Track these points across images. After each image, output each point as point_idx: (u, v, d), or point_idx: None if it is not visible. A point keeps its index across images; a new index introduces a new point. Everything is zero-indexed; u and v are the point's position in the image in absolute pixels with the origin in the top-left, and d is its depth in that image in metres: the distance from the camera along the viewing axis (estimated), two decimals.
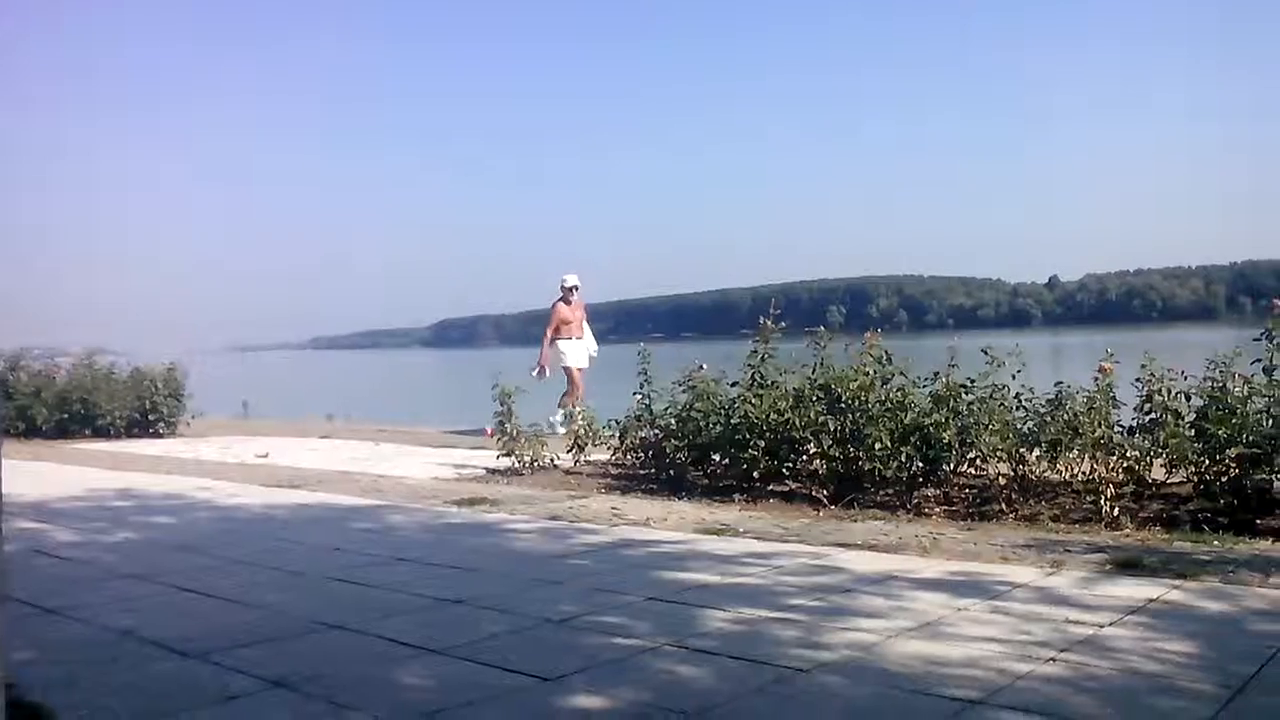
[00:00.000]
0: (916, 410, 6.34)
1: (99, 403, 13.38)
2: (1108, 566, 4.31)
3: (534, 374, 11.08)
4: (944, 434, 6.11)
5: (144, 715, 2.64)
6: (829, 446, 6.52)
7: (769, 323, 7.37)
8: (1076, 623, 3.39)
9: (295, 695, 2.79)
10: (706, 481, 7.23)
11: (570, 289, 12.09)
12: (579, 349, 11.94)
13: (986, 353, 6.43)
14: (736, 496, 6.66)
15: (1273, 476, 5.22)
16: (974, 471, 6.42)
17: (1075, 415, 5.89)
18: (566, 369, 11.83)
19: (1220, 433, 5.39)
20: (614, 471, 8.01)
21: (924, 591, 3.94)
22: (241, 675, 2.96)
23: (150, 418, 13.62)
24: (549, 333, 11.90)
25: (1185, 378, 5.94)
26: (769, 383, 7.14)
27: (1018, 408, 6.19)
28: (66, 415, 13.38)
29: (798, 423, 6.67)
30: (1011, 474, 6.12)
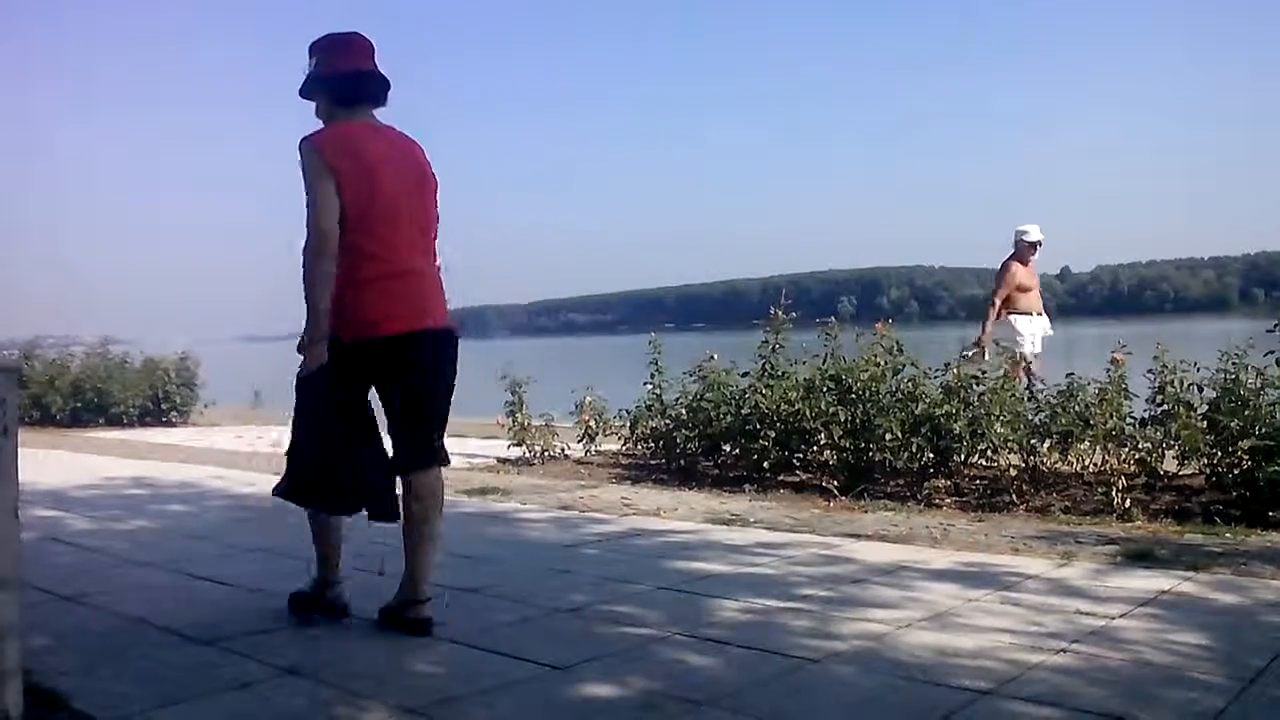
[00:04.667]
0: (927, 401, 6.34)
1: (112, 391, 13.45)
2: (1119, 558, 4.31)
3: (969, 354, 7.31)
4: (955, 425, 6.11)
5: (159, 702, 2.66)
6: (839, 437, 6.52)
7: (780, 313, 7.36)
8: (1088, 614, 3.39)
9: (308, 682, 2.81)
10: (717, 472, 7.24)
11: (1032, 244, 8.64)
12: (1037, 328, 8.43)
13: (998, 344, 6.42)
14: (747, 487, 6.66)
15: None
16: (985, 463, 6.42)
17: (1087, 406, 5.88)
18: (1018, 354, 7.80)
19: (1233, 425, 5.38)
20: (624, 461, 8.03)
21: (935, 582, 3.94)
22: (255, 662, 2.98)
23: (163, 406, 13.69)
24: (997, 301, 8.37)
25: (1198, 369, 5.93)
26: (780, 373, 7.15)
27: (1029, 399, 6.19)
28: (80, 404, 13.45)
29: (808, 413, 6.68)
30: (1022, 465, 6.12)
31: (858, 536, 4.96)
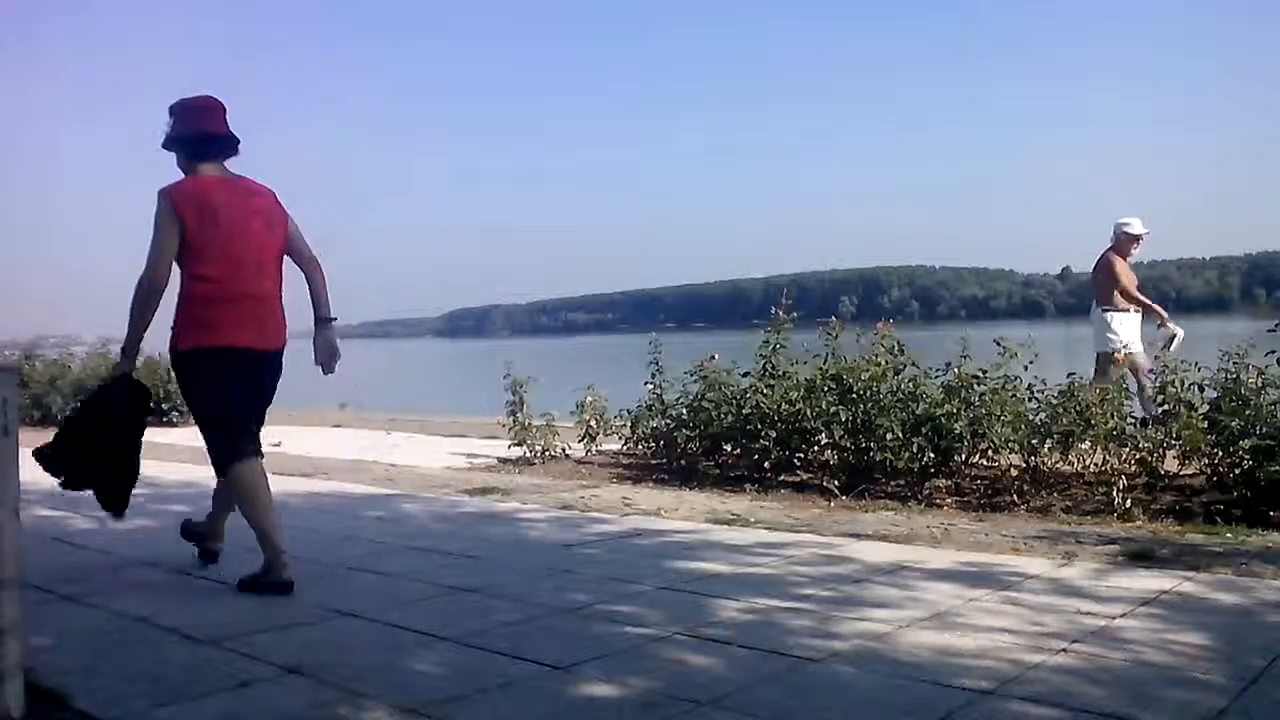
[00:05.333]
0: (928, 401, 6.34)
1: None
2: (1120, 558, 4.31)
3: (1165, 341, 7.03)
4: (956, 425, 6.11)
5: (160, 700, 2.66)
6: (840, 437, 6.52)
7: (781, 313, 7.36)
8: (1088, 614, 3.39)
9: (309, 682, 2.81)
10: (718, 471, 7.24)
11: (1133, 238, 8.16)
12: (1135, 326, 8.02)
13: (999, 343, 6.43)
14: (748, 486, 6.66)
15: None
16: (986, 463, 6.42)
17: (1088, 406, 5.88)
18: (1107, 354, 7.73)
19: (1233, 424, 5.37)
20: (625, 461, 8.02)
21: (935, 582, 3.94)
22: (255, 662, 2.98)
23: (163, 406, 13.66)
24: (1130, 289, 7.96)
25: (1199, 369, 5.93)
26: (780, 373, 7.15)
27: (1030, 399, 6.19)
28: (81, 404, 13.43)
29: (809, 413, 6.68)
30: (1023, 465, 6.11)
31: (859, 536, 4.95)
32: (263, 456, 4.08)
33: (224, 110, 4.14)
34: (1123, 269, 8.03)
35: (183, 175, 4.04)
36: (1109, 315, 7.92)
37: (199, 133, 4.04)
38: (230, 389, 3.92)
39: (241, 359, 3.92)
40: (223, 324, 3.89)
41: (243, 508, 4.03)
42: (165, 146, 4.10)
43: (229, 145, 4.11)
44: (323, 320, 4.24)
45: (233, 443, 3.97)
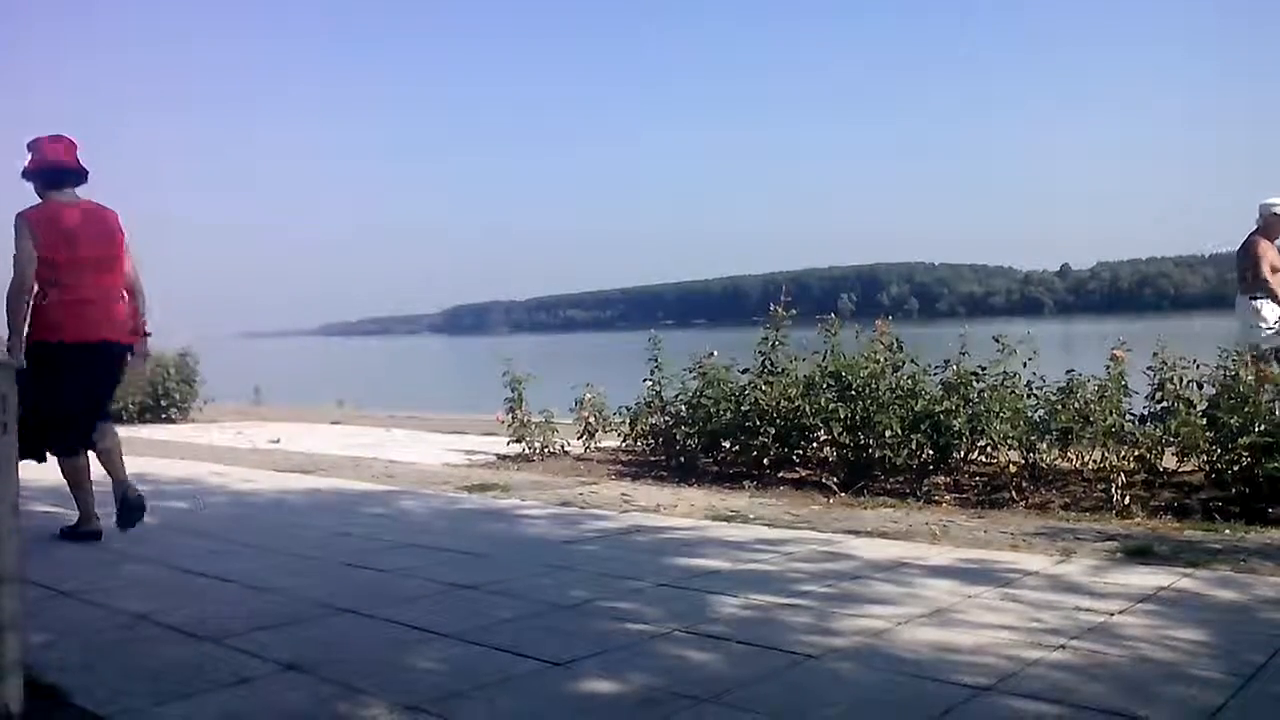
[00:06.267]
0: (927, 398, 6.34)
1: None
2: (1118, 554, 4.31)
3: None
4: (955, 422, 6.11)
5: (160, 697, 2.66)
6: (839, 434, 6.52)
7: (780, 309, 7.36)
8: (1087, 610, 3.40)
9: (308, 678, 2.82)
10: (717, 468, 7.24)
11: None
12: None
13: (998, 340, 6.43)
14: (747, 483, 6.66)
15: None
16: (985, 459, 6.42)
17: (1086, 403, 5.88)
18: (1255, 346, 6.88)
19: (1232, 421, 5.37)
20: (624, 458, 8.03)
21: (934, 579, 3.94)
22: (255, 659, 2.98)
23: (163, 403, 13.66)
24: (1270, 277, 7.33)
25: (1197, 366, 5.93)
26: (780, 370, 7.15)
27: (1029, 396, 6.19)
28: None
29: (808, 410, 6.68)
30: (1022, 462, 6.12)
31: (857, 533, 4.96)
32: (89, 449, 4.95)
33: (76, 146, 4.96)
34: (1267, 251, 7.41)
35: (40, 200, 4.82)
36: (1258, 303, 7.33)
37: (52, 165, 4.87)
38: (65, 382, 4.69)
39: (81, 352, 4.73)
40: (67, 324, 4.72)
41: (71, 488, 4.96)
42: (24, 177, 4.88)
43: (78, 176, 4.95)
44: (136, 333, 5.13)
45: (63, 440, 4.83)
